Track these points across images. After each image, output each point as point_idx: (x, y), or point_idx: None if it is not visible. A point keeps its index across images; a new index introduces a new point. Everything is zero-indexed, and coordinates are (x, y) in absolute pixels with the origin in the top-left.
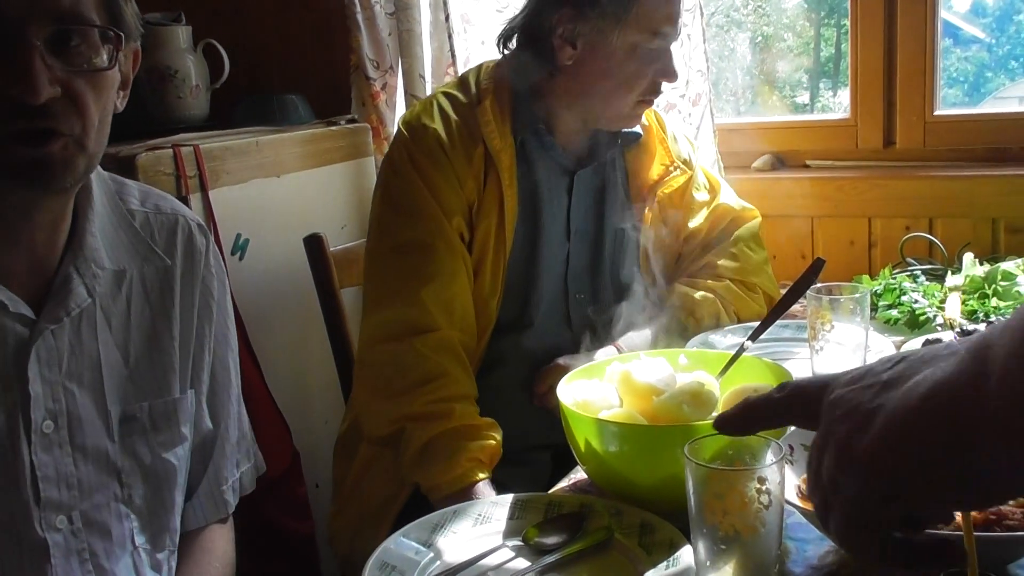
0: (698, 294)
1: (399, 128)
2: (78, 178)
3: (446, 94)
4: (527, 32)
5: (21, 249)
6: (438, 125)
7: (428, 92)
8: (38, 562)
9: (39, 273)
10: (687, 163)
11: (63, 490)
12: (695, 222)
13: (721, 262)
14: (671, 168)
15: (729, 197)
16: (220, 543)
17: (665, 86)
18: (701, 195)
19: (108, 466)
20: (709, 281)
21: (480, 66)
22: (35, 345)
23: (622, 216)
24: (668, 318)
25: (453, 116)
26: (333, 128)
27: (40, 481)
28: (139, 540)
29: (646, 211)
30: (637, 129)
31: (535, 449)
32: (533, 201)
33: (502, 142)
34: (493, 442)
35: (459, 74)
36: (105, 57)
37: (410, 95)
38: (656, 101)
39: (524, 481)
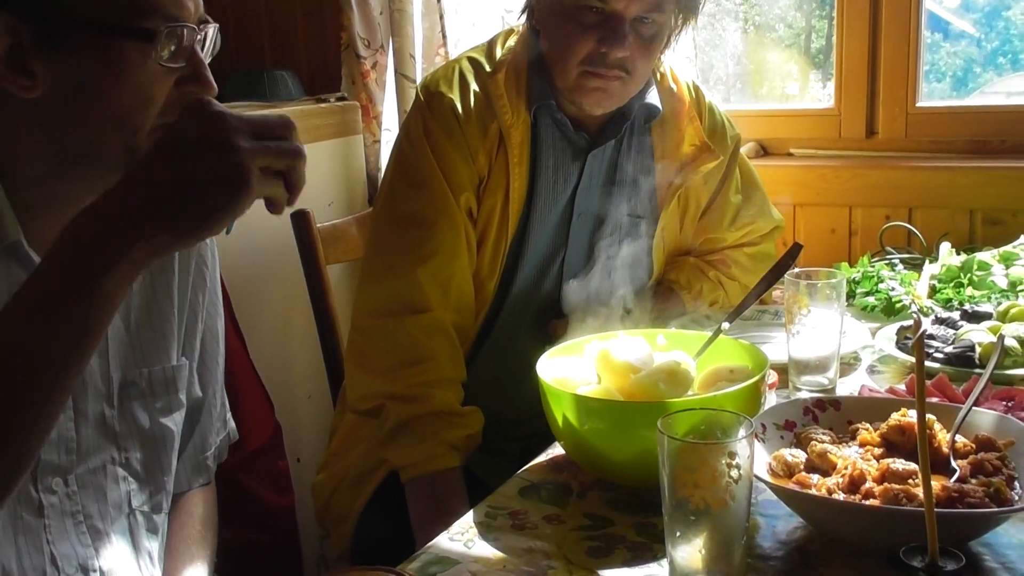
0: (707, 279)
1: (417, 92)
2: None
3: (471, 59)
4: None
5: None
6: (455, 95)
7: (418, 73)
8: (35, 522)
9: None
10: (722, 145)
11: (62, 453)
12: (721, 229)
13: (735, 269)
14: (701, 150)
15: (764, 212)
16: (202, 507)
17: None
18: (735, 197)
19: (106, 430)
20: (721, 275)
21: (509, 31)
22: None
23: (635, 201)
24: (663, 287)
25: (473, 85)
26: (322, 105)
27: None
28: (136, 502)
29: (669, 195)
30: (655, 102)
31: (506, 439)
32: (542, 181)
33: (514, 117)
34: (470, 431)
35: (482, 43)
36: None
37: (400, 75)
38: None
39: (488, 470)
